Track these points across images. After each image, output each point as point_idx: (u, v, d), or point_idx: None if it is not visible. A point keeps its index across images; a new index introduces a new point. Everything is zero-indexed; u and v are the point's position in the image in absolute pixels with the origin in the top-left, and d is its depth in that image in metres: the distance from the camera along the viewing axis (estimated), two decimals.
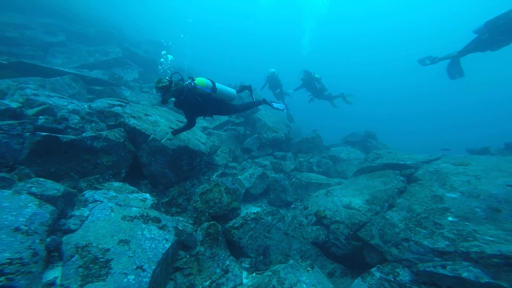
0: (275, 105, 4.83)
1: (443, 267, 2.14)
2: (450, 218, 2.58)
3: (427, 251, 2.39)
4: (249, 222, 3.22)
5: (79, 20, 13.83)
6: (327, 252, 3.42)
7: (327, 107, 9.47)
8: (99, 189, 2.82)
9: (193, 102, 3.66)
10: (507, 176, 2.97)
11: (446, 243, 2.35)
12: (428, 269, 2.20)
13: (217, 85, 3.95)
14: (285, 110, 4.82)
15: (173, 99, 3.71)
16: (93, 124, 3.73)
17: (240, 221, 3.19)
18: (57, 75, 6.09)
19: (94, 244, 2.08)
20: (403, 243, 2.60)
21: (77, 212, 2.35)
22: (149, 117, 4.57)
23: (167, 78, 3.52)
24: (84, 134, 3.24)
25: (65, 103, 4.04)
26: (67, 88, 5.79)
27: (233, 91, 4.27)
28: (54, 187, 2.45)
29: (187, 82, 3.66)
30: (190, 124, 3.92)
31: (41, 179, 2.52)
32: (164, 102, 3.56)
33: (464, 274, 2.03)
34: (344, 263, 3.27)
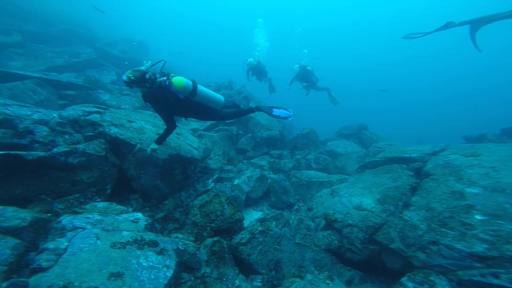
0: (276, 112, 3.70)
1: (496, 276, 1.92)
2: (478, 217, 2.41)
3: (463, 256, 2.19)
4: (257, 235, 2.91)
5: (37, 19, 12.41)
6: (342, 258, 3.20)
7: (317, 102, 9.29)
8: (79, 212, 2.35)
9: (162, 102, 3.15)
10: None
11: (485, 246, 2.16)
12: (475, 278, 1.99)
13: (199, 89, 3.33)
14: (289, 117, 3.72)
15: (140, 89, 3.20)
16: (67, 136, 3.19)
17: (248, 236, 2.86)
18: (17, 80, 5.29)
19: (76, 283, 1.66)
20: (431, 246, 2.41)
21: (51, 245, 1.89)
22: (133, 123, 4.06)
23: (145, 70, 3.05)
24: (55, 150, 2.72)
25: (29, 113, 3.43)
26: (31, 94, 5.07)
27: (220, 97, 3.60)
28: (17, 216, 1.97)
29: (161, 79, 3.12)
30: (170, 126, 3.30)
31: None
32: (127, 85, 3.07)
33: None
34: (362, 268, 3.07)
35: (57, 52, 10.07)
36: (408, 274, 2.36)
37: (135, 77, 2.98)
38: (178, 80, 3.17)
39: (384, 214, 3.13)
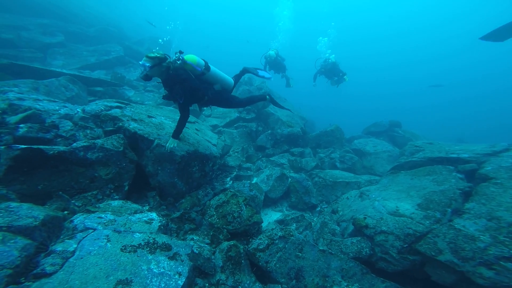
0: (261, 73, 4.29)
1: None
2: None
3: None
4: (277, 241, 2.65)
5: (77, 19, 13.33)
6: (374, 267, 2.84)
7: (342, 99, 8.70)
8: (93, 212, 2.29)
9: (185, 77, 3.08)
10: None
11: None
12: None
13: (211, 66, 3.42)
14: (271, 78, 4.43)
15: (158, 78, 3.19)
16: (88, 131, 3.21)
17: (266, 242, 2.62)
18: (55, 77, 5.64)
19: None
20: (502, 263, 1.97)
21: (59, 247, 1.81)
22: (153, 119, 4.02)
23: (161, 51, 3.07)
24: (74, 144, 2.72)
25: (57, 107, 3.54)
26: (63, 90, 5.33)
27: (229, 78, 3.71)
28: (30, 214, 1.92)
29: (175, 56, 3.12)
30: (184, 115, 3.23)
31: (13, 203, 2.01)
32: (146, 78, 3.09)
33: None
34: (398, 279, 2.67)
35: (91, 50, 10.65)
36: None
37: (161, 54, 3.00)
38: (190, 56, 3.25)
39: (428, 222, 2.67)
